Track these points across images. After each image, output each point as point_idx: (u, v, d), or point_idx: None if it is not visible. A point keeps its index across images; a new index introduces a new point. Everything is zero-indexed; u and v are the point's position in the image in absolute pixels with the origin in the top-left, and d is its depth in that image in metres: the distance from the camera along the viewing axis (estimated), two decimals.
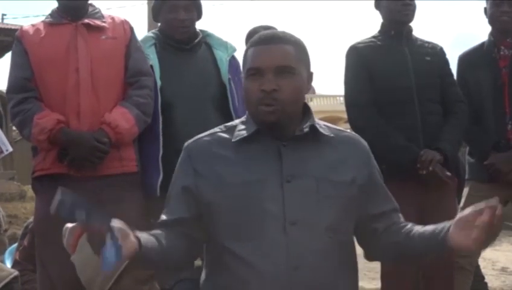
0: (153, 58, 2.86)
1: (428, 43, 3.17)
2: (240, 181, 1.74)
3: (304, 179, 1.75)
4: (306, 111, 1.85)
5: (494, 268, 6.38)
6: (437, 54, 3.15)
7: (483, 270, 4.10)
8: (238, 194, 1.73)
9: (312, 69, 1.88)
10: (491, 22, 3.24)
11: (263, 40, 1.80)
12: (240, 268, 1.71)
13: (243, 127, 1.83)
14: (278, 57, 1.76)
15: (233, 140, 1.80)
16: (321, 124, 1.87)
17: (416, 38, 3.15)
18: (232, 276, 1.72)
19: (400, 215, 1.91)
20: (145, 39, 2.98)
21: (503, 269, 6.38)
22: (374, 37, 3.13)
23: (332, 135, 1.85)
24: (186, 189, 1.79)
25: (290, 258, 1.68)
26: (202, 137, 1.86)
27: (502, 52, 3.22)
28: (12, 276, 1.92)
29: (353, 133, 1.97)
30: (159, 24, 3.05)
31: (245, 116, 1.86)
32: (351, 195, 1.79)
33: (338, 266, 1.75)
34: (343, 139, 1.87)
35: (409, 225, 1.85)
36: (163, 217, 1.81)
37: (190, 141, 1.88)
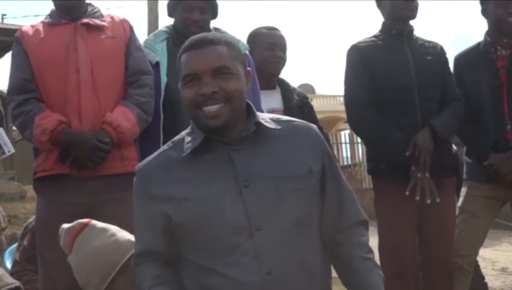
0: (161, 53, 2.86)
1: (429, 42, 3.17)
2: (197, 197, 1.71)
3: (261, 181, 1.72)
4: (250, 111, 1.81)
5: (494, 268, 6.39)
6: (437, 53, 3.15)
7: (483, 270, 4.10)
8: (198, 211, 1.70)
9: (248, 68, 1.84)
10: (496, 24, 3.20)
11: (193, 44, 1.77)
12: (215, 283, 1.70)
13: (189, 139, 1.79)
14: (213, 59, 1.73)
15: (183, 155, 1.76)
16: (267, 119, 1.83)
17: (417, 38, 3.15)
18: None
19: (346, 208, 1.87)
20: (158, 33, 2.99)
21: (503, 269, 6.38)
22: (375, 36, 3.13)
23: (280, 128, 1.81)
24: (163, 227, 1.77)
25: (261, 264, 1.67)
26: (152, 159, 1.83)
27: (499, 52, 3.22)
28: (8, 287, 1.91)
29: (304, 121, 1.91)
30: (173, 20, 3.04)
31: (190, 127, 1.83)
32: (311, 186, 1.77)
33: (311, 261, 1.74)
34: (294, 129, 1.83)
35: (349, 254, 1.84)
36: (152, 252, 1.81)
37: (141, 164, 1.85)
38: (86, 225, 2.03)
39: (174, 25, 3.01)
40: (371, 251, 1.87)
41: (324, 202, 1.83)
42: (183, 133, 1.84)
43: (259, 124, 1.78)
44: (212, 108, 1.70)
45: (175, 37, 2.94)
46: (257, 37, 3.33)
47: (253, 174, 1.72)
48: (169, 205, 1.74)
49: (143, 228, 1.82)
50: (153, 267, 1.80)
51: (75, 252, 2.02)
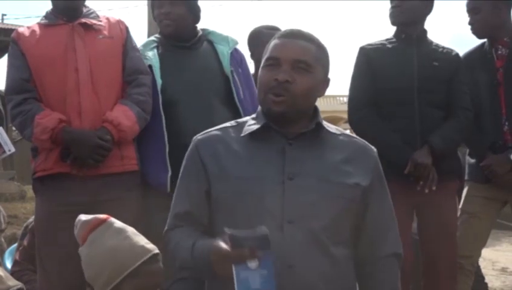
0: (153, 58, 2.86)
1: (443, 48, 3.15)
2: (241, 176, 1.75)
3: (305, 178, 1.75)
4: (316, 114, 1.85)
5: (494, 268, 6.39)
6: (449, 59, 3.11)
7: (483, 270, 4.11)
8: (238, 189, 1.74)
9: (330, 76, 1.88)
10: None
11: (288, 33, 1.84)
12: None
13: (253, 122, 1.84)
14: (298, 51, 1.78)
15: (241, 134, 1.82)
16: (330, 126, 1.88)
17: (431, 43, 3.15)
18: None
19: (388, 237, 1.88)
20: (147, 43, 2.98)
21: (503, 269, 6.39)
22: (387, 39, 3.16)
23: (341, 137, 1.86)
24: (207, 192, 1.81)
25: (285, 256, 1.68)
26: (212, 130, 1.89)
27: (499, 52, 3.21)
28: None
29: (365, 141, 1.95)
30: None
31: (256, 112, 1.88)
32: (352, 197, 1.79)
33: (335, 266, 1.75)
34: (352, 144, 1.88)
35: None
36: (189, 208, 1.83)
37: (200, 134, 1.90)
38: (103, 221, 2.02)
39: (160, 32, 3.02)
40: (395, 255, 1.87)
41: (364, 223, 1.84)
42: (248, 117, 1.90)
43: (319, 125, 1.82)
44: (277, 98, 1.75)
45: (164, 43, 2.94)
46: (259, 37, 3.32)
47: (300, 170, 1.76)
48: (214, 176, 1.78)
49: (188, 190, 1.84)
50: (192, 230, 1.81)
51: (88, 246, 2.01)
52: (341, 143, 1.85)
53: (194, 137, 1.91)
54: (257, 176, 1.74)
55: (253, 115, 1.88)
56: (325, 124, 1.86)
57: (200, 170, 1.82)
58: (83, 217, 2.06)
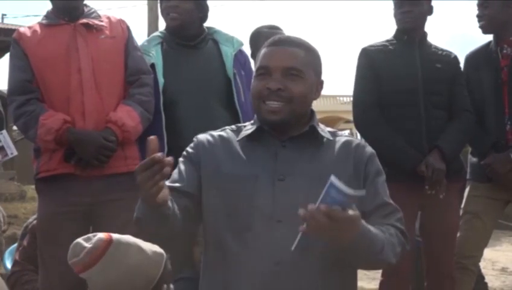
0: (156, 56, 2.86)
1: (443, 50, 3.16)
2: (234, 174, 1.79)
3: (297, 178, 1.77)
4: (312, 117, 1.87)
5: (494, 268, 6.39)
6: (449, 62, 3.12)
7: (483, 270, 4.10)
8: (230, 187, 1.78)
9: (323, 78, 1.89)
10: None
11: (276, 41, 1.85)
12: (227, 259, 1.76)
13: (249, 127, 1.88)
14: (287, 59, 1.80)
15: (237, 138, 1.86)
16: (324, 129, 1.89)
17: (431, 45, 3.15)
18: (219, 266, 1.78)
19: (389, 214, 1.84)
20: (152, 38, 2.98)
21: (503, 269, 6.39)
22: (387, 40, 3.15)
23: (331, 139, 1.88)
24: (197, 173, 1.84)
25: (273, 253, 1.71)
26: (212, 132, 1.93)
27: (504, 51, 3.21)
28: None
29: (355, 139, 1.96)
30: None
31: (254, 117, 1.91)
32: None
33: (329, 266, 1.74)
34: (343, 142, 1.88)
35: None
36: (176, 183, 1.82)
37: (201, 133, 1.94)
38: (110, 242, 1.96)
39: (165, 27, 3.01)
40: (397, 227, 1.81)
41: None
42: (248, 122, 1.94)
43: (313, 128, 1.84)
44: (273, 103, 1.77)
45: (168, 40, 2.94)
46: (259, 37, 3.32)
47: (291, 171, 1.78)
48: (208, 173, 1.82)
49: (180, 170, 1.85)
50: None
51: (104, 271, 1.95)
52: (334, 144, 1.87)
53: (196, 135, 1.94)
54: (249, 175, 1.78)
55: (252, 121, 1.92)
56: (321, 126, 1.88)
57: (195, 165, 1.85)
58: (82, 242, 1.98)
